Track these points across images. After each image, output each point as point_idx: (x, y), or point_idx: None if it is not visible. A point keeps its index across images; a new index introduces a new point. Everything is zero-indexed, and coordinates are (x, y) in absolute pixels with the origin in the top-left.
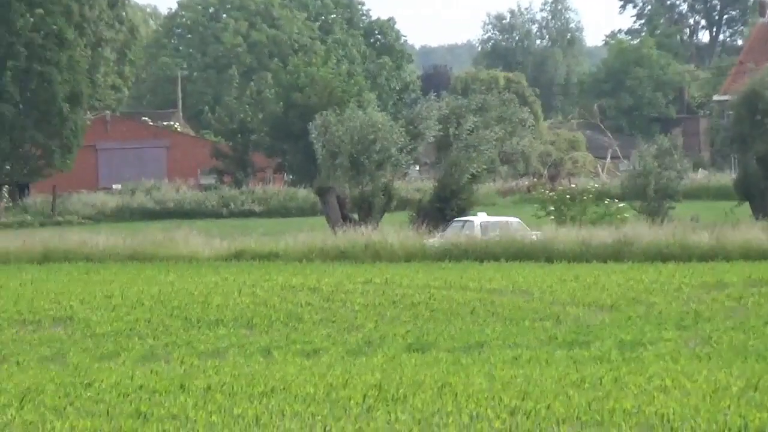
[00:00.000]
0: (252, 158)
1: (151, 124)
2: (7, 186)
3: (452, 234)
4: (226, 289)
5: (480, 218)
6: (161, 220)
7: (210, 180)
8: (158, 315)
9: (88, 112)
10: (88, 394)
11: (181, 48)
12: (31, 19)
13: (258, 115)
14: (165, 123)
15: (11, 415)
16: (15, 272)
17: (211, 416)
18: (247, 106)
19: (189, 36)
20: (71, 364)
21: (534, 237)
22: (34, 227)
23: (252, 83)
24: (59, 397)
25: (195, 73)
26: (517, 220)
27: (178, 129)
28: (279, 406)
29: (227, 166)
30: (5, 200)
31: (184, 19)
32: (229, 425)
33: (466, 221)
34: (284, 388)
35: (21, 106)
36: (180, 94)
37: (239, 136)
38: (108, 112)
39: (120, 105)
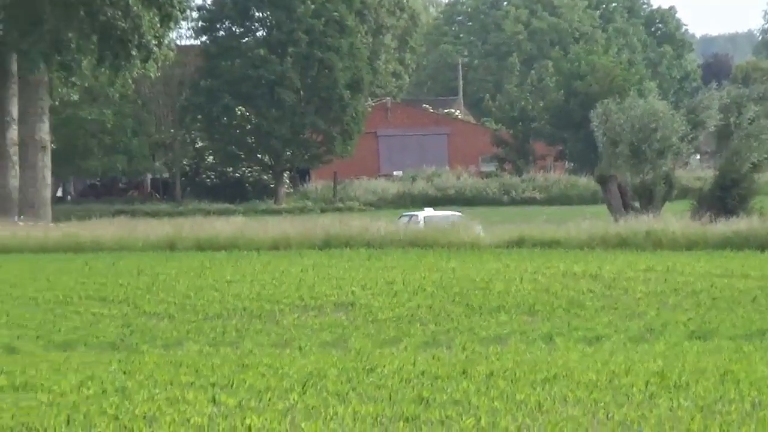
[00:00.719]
0: (533, 146)
1: (432, 111)
2: (288, 172)
3: (401, 227)
4: (507, 275)
5: (425, 213)
6: (442, 207)
7: (490, 167)
8: (440, 301)
9: (369, 99)
10: (370, 379)
11: (461, 35)
12: (312, 6)
13: (539, 103)
14: (446, 110)
15: (294, 399)
16: (296, 258)
17: (493, 402)
18: (528, 94)
19: (470, 23)
20: (353, 350)
21: (477, 231)
22: (315, 213)
23: (533, 71)
24: (341, 383)
25: (476, 61)
26: (459, 214)
27: (459, 116)
28: (561, 393)
29: (508, 153)
30: (286, 186)
31: (464, 7)
32: (512, 411)
33: (412, 215)
34: (566, 375)
35: (302, 92)
36: (461, 82)
37: (520, 123)
38: (389, 98)
39: (401, 92)
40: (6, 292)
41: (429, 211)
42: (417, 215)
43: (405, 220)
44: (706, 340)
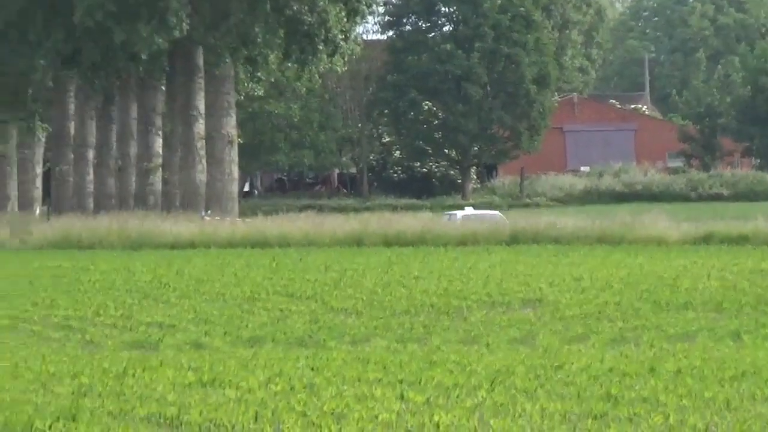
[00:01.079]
0: (720, 142)
1: (618, 106)
2: (475, 167)
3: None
4: (694, 272)
5: (465, 212)
6: (628, 203)
7: (677, 163)
8: (627, 298)
9: (556, 94)
10: (559, 376)
11: (647, 31)
12: (498, 1)
13: (725, 98)
14: (632, 106)
15: (482, 396)
16: (484, 254)
17: (681, 399)
18: (715, 90)
19: (655, 19)
20: (541, 347)
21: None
22: (502, 209)
23: (719, 67)
24: (529, 379)
25: (662, 56)
26: (498, 213)
27: (646, 112)
28: (750, 390)
29: (694, 149)
30: (473, 181)
31: (651, 2)
32: (700, 409)
33: (452, 214)
34: (755, 372)
35: (488, 87)
36: (647, 77)
37: (707, 119)
38: (575, 94)
39: (587, 87)
40: (193, 287)
41: (469, 210)
42: (456, 214)
43: (446, 218)
44: None
